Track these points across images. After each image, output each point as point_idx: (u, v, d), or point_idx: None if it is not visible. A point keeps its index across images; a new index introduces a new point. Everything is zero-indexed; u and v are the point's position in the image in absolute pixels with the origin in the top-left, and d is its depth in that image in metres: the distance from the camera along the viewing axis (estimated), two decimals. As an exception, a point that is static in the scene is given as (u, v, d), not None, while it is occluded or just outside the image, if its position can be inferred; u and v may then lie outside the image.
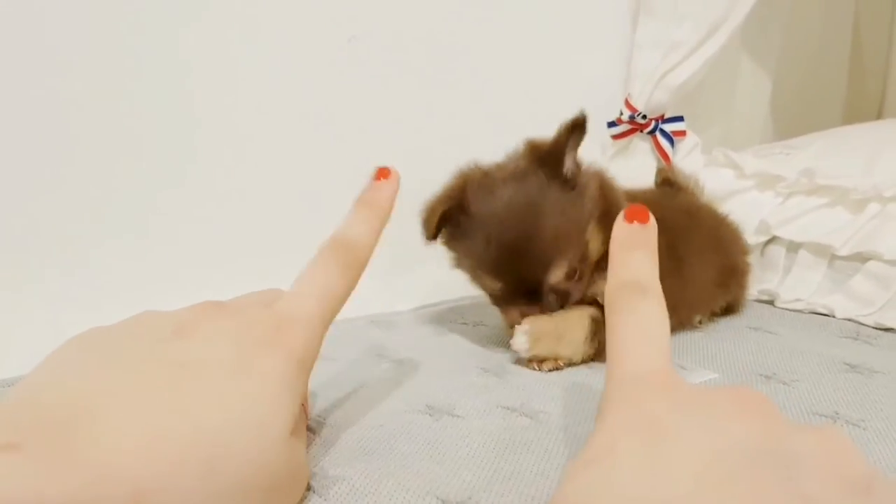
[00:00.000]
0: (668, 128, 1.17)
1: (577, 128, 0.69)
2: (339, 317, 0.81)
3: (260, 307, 0.46)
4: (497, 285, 0.71)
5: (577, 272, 0.70)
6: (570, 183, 0.70)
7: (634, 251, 0.45)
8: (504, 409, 0.58)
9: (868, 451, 0.52)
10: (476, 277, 0.73)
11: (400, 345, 0.74)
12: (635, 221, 0.46)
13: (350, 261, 0.50)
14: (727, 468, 0.29)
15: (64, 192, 0.82)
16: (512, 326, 0.70)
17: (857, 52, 1.74)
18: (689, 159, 1.18)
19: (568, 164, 0.69)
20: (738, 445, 0.31)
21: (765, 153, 1.17)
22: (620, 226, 0.46)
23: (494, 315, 0.83)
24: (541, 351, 0.69)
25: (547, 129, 1.09)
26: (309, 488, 0.44)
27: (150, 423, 0.34)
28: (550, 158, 0.69)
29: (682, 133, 1.18)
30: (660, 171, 1.02)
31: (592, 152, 1.18)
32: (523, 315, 0.69)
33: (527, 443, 0.52)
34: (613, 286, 0.44)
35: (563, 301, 0.70)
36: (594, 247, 0.71)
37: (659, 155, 1.17)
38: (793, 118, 1.53)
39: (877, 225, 0.95)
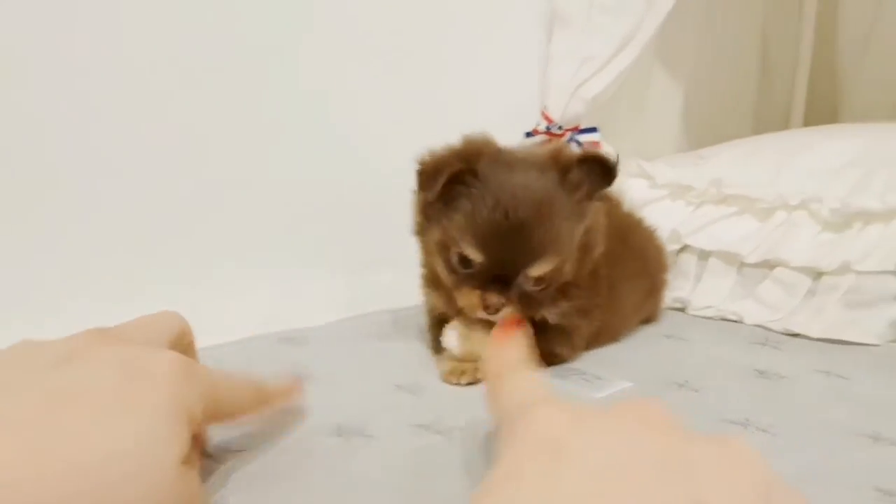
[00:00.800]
0: (583, 138, 1.19)
1: (600, 163, 0.70)
2: (247, 334, 0.80)
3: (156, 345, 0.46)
4: (479, 258, 0.67)
5: (551, 281, 0.69)
6: (576, 199, 0.69)
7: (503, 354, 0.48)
8: (417, 427, 0.58)
9: (777, 457, 0.53)
10: (453, 245, 0.68)
11: (311, 362, 0.73)
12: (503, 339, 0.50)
13: (259, 393, 0.51)
14: (625, 482, 0.30)
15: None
16: (462, 308, 0.69)
17: (765, 63, 1.79)
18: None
19: (580, 186, 0.69)
20: (637, 459, 0.31)
21: (677, 163, 1.19)
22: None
23: (410, 330, 0.83)
24: (468, 349, 0.69)
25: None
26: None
27: (34, 455, 0.33)
28: (564, 167, 0.69)
29: (597, 143, 1.19)
30: None
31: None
32: (484, 301, 0.67)
33: (440, 463, 0.51)
34: (492, 372, 0.47)
35: (527, 303, 0.68)
36: (568, 269, 0.70)
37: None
38: (705, 127, 1.56)
39: (783, 232, 0.98)
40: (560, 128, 1.17)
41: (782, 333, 0.90)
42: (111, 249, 0.87)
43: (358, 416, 0.59)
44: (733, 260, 1.00)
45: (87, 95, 0.84)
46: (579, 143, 1.18)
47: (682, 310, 1.01)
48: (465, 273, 0.68)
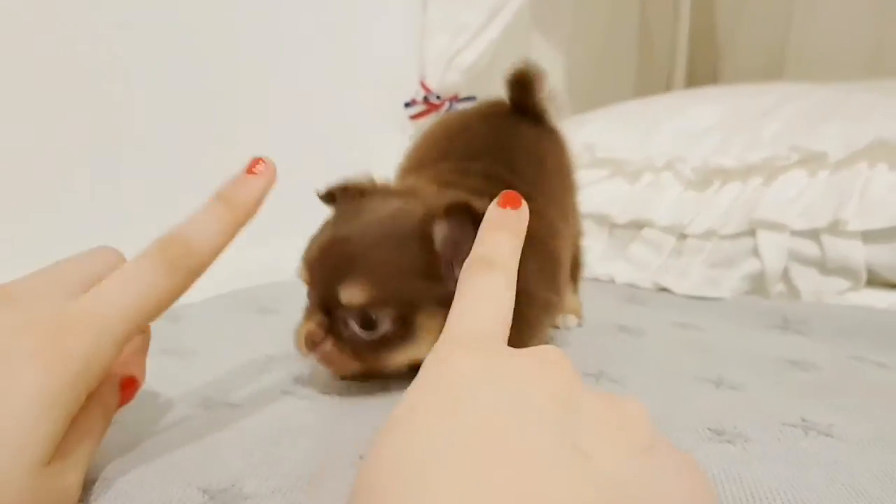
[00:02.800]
0: (462, 107, 1.21)
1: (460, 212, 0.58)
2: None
3: (51, 299, 0.42)
4: (303, 276, 0.61)
5: (381, 323, 0.58)
6: (441, 258, 0.59)
7: (498, 231, 0.45)
8: (284, 394, 0.59)
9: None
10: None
11: (185, 339, 0.73)
12: (508, 206, 0.46)
13: (182, 263, 0.44)
14: (509, 425, 0.31)
15: None
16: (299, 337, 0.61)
17: (645, 27, 1.85)
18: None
19: (445, 250, 0.59)
20: (527, 405, 0.32)
21: (554, 129, 1.23)
22: (492, 208, 0.46)
23: (288, 300, 0.84)
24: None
25: (345, 113, 1.11)
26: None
27: None
28: (427, 216, 0.59)
29: (476, 112, 1.22)
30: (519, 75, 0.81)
31: (392, 134, 1.22)
32: (307, 337, 0.59)
33: (303, 426, 0.53)
34: (466, 262, 0.43)
35: (355, 346, 0.59)
36: (425, 342, 0.59)
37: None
38: (586, 94, 1.61)
39: (650, 194, 1.03)
40: (438, 97, 1.19)
41: (651, 290, 0.94)
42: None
43: (225, 388, 0.61)
44: (605, 222, 1.05)
45: None
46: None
47: (556, 271, 1.05)
48: (307, 304, 0.62)
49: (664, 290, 0.94)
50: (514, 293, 0.42)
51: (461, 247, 0.57)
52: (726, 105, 1.15)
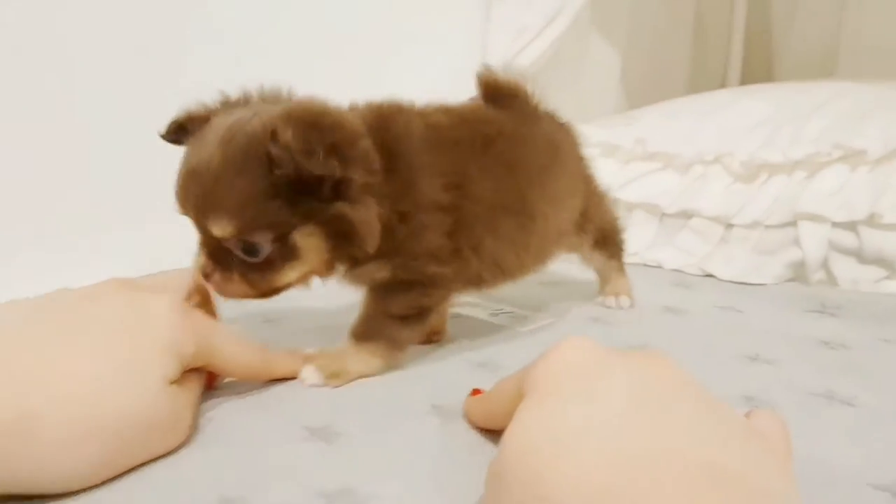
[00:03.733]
0: (521, 103, 1.27)
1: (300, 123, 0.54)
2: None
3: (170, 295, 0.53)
4: (181, 212, 0.58)
5: (260, 248, 0.56)
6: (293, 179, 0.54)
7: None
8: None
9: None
10: None
11: (279, 307, 0.81)
12: None
13: (265, 363, 0.58)
14: (645, 402, 0.36)
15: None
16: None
17: (700, 26, 1.87)
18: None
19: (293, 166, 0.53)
20: (653, 387, 0.38)
21: (609, 124, 1.28)
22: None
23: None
24: (333, 371, 0.60)
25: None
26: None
27: (32, 375, 0.42)
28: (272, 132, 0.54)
29: (535, 108, 1.28)
30: (482, 78, 0.80)
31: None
32: (201, 271, 0.58)
33: (384, 383, 0.60)
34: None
35: (236, 271, 0.57)
36: (310, 257, 0.58)
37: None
38: (642, 91, 1.64)
39: (699, 186, 1.08)
40: (499, 94, 1.25)
41: (697, 275, 1.00)
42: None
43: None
44: (655, 211, 1.10)
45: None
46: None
47: (609, 257, 1.11)
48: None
49: (710, 276, 0.99)
50: None
51: (311, 157, 0.52)
52: (775, 102, 1.19)
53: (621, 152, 1.18)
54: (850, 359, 0.68)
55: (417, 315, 0.63)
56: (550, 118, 0.82)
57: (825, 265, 0.93)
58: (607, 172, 1.16)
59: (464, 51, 1.30)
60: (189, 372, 0.51)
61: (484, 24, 1.29)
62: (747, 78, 1.88)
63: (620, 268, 0.87)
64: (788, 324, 0.79)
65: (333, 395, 0.57)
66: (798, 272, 0.95)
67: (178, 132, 0.59)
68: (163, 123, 0.60)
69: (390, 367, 0.63)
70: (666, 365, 0.41)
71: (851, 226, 0.92)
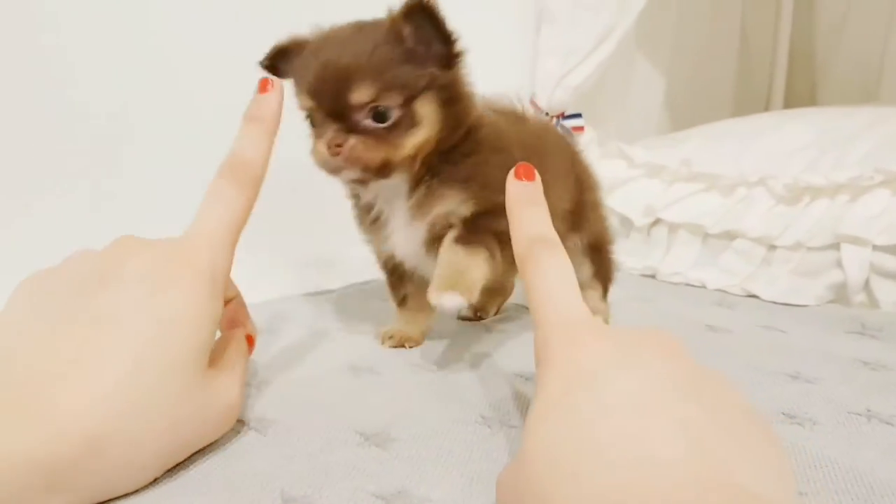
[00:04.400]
0: (568, 124, 1.29)
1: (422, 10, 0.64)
2: (275, 296, 0.90)
3: (169, 240, 0.52)
4: (309, 103, 0.66)
5: (390, 112, 0.64)
6: (417, 53, 0.65)
7: (530, 206, 0.51)
8: (415, 366, 0.69)
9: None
10: (298, 99, 0.67)
11: (330, 318, 0.84)
12: (523, 178, 0.52)
13: (246, 178, 0.55)
14: (655, 395, 0.37)
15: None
16: (319, 154, 0.66)
17: (744, 49, 1.87)
18: (586, 152, 1.30)
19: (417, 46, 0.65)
20: (660, 377, 0.39)
21: (654, 145, 1.30)
22: (512, 183, 0.52)
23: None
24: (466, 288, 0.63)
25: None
26: (251, 427, 0.54)
27: (89, 383, 0.42)
28: (395, 22, 0.65)
29: (582, 128, 1.30)
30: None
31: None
32: (329, 143, 0.64)
33: (433, 391, 0.63)
34: (523, 242, 0.50)
35: (373, 137, 0.64)
36: (427, 125, 0.66)
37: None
38: (686, 112, 1.66)
39: (743, 207, 1.08)
40: (546, 114, 1.27)
41: (740, 295, 1.01)
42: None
43: (368, 359, 0.71)
44: (699, 231, 1.11)
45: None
46: (565, 128, 1.29)
47: (652, 276, 1.12)
48: (314, 130, 0.67)
49: (753, 296, 1.00)
50: (570, 262, 0.49)
51: (430, 43, 0.65)
52: (819, 125, 1.19)
53: (666, 173, 1.19)
54: (889, 379, 0.69)
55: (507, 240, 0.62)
56: (539, 124, 0.91)
57: (867, 287, 0.94)
58: (652, 193, 1.19)
59: (512, 72, 1.32)
60: (228, 348, 0.53)
61: (533, 46, 1.31)
62: (791, 100, 1.88)
63: (604, 294, 0.88)
64: (829, 344, 0.79)
65: (386, 403, 0.60)
66: (840, 294, 0.96)
67: (278, 58, 0.69)
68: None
69: (492, 276, 0.66)
70: (672, 352, 0.42)
71: (893, 249, 0.92)
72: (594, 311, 0.74)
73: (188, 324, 0.48)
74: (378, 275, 0.94)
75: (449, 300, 0.61)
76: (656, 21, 1.51)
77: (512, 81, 1.33)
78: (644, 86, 1.59)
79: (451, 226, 0.68)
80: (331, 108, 0.64)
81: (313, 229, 1.08)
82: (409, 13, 0.64)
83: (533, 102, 1.28)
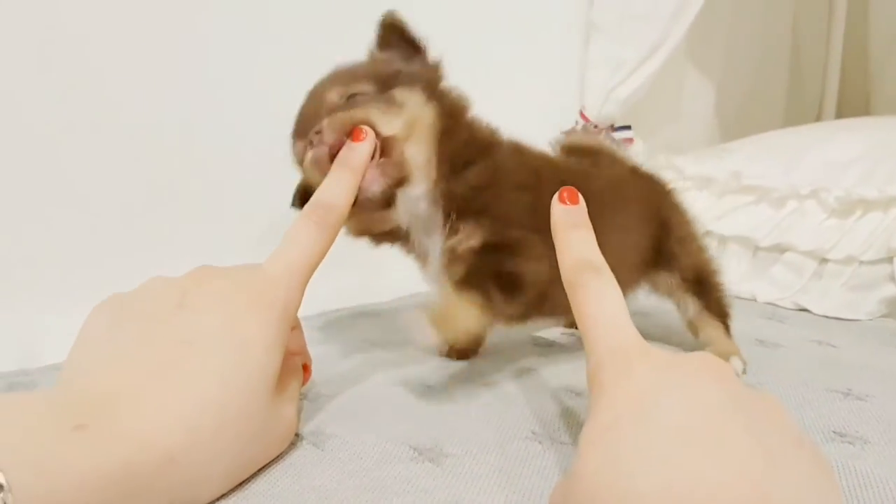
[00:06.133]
0: (618, 136, 1.29)
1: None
2: (329, 308, 0.92)
3: (246, 270, 0.54)
4: (299, 143, 0.63)
5: (365, 95, 0.63)
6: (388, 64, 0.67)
7: (575, 230, 0.51)
8: (467, 381, 0.70)
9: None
10: (293, 154, 0.66)
11: (380, 332, 0.86)
12: (568, 202, 0.53)
13: (326, 221, 0.56)
14: (702, 422, 0.38)
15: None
16: (300, 162, 0.64)
17: (795, 59, 1.85)
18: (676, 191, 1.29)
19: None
20: (707, 403, 0.39)
21: (703, 157, 1.29)
22: (556, 207, 0.53)
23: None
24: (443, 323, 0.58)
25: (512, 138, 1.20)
26: (308, 441, 0.55)
27: (173, 400, 0.44)
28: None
29: (631, 140, 1.29)
30: (566, 140, 0.86)
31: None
32: (311, 139, 0.61)
33: (484, 406, 0.63)
34: (570, 266, 0.50)
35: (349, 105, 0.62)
36: (412, 109, 0.63)
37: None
38: (737, 123, 1.64)
39: (794, 220, 1.07)
40: (596, 126, 1.27)
41: (791, 309, 1.00)
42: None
43: (419, 373, 0.72)
44: (749, 244, 1.10)
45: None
46: (615, 140, 1.28)
47: (701, 289, 1.11)
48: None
49: (804, 310, 0.99)
50: (617, 285, 0.49)
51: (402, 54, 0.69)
52: (871, 136, 1.17)
53: (715, 185, 1.18)
54: (942, 397, 0.68)
55: (512, 282, 0.61)
56: (628, 166, 0.83)
57: (920, 302, 0.92)
58: (701, 205, 1.18)
59: (562, 84, 1.33)
60: (288, 374, 0.54)
61: (582, 59, 1.31)
62: (843, 110, 1.85)
63: (724, 331, 0.79)
64: (882, 360, 0.78)
65: (438, 418, 0.60)
66: (892, 308, 0.94)
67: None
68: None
69: (484, 326, 0.62)
70: (718, 374, 0.42)
71: (947, 262, 0.91)
72: (724, 354, 0.73)
73: (262, 349, 0.50)
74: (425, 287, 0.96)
75: (424, 337, 0.56)
76: (707, 30, 1.50)
77: (562, 94, 1.34)
78: (695, 96, 1.58)
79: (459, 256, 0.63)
80: (309, 126, 0.62)
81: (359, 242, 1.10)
82: (380, 33, 0.68)
83: (582, 114, 1.28)
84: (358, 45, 0.69)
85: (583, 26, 1.32)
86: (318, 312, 0.91)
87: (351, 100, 0.62)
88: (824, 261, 1.02)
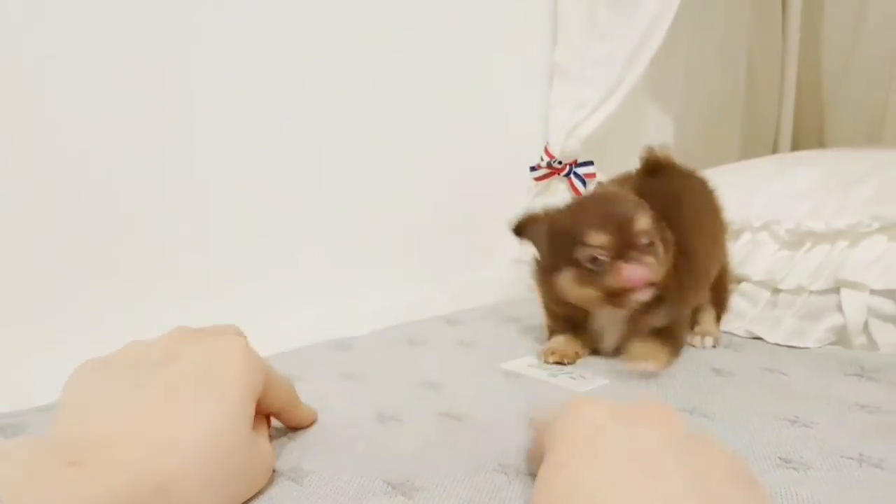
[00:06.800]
0: (581, 171, 1.34)
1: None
2: (305, 342, 0.94)
3: (225, 334, 0.59)
4: (603, 239, 0.82)
5: (654, 245, 0.84)
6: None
7: None
8: (438, 415, 0.73)
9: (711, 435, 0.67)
10: (579, 240, 0.84)
11: (356, 364, 0.88)
12: None
13: (293, 402, 0.65)
14: (643, 461, 0.42)
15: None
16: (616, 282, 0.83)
17: (751, 93, 1.91)
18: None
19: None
20: (650, 445, 0.43)
21: (663, 190, 1.33)
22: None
23: (435, 335, 0.98)
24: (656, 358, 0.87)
25: (480, 173, 1.26)
26: (287, 478, 0.58)
27: (163, 438, 0.47)
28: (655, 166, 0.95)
29: (593, 175, 1.34)
30: (648, 157, 1.04)
31: (519, 193, 1.35)
32: (624, 267, 0.82)
33: (454, 439, 0.66)
34: None
35: (649, 252, 0.83)
36: (664, 255, 0.86)
37: (573, 194, 1.33)
38: (695, 156, 1.67)
39: (748, 252, 1.12)
40: (559, 162, 1.32)
41: (745, 338, 1.04)
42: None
43: (393, 406, 0.74)
44: (705, 276, 1.14)
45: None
46: (578, 175, 1.33)
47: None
48: (603, 254, 0.84)
49: (757, 338, 1.03)
50: None
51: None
52: (822, 170, 1.21)
53: (674, 218, 1.23)
54: (883, 422, 0.71)
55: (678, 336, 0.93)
56: (695, 176, 1.07)
57: (866, 330, 0.97)
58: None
59: (530, 121, 1.38)
60: (259, 413, 0.58)
61: (546, 99, 1.36)
62: (799, 141, 1.91)
63: (715, 318, 1.04)
64: (829, 387, 0.82)
65: (410, 452, 0.63)
66: (841, 336, 0.99)
67: (524, 226, 0.91)
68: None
69: (669, 364, 0.88)
70: (661, 416, 0.47)
71: (890, 293, 0.95)
72: (706, 333, 1.00)
73: (241, 392, 0.53)
74: (398, 321, 1.00)
75: (645, 366, 0.84)
76: (665, 68, 1.55)
77: (529, 130, 1.39)
78: (654, 131, 1.62)
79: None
80: (617, 240, 0.82)
81: (335, 276, 1.14)
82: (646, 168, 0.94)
83: (547, 151, 1.33)
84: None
85: (548, 69, 1.37)
86: (294, 348, 0.94)
87: (646, 247, 0.83)
88: (777, 290, 1.06)
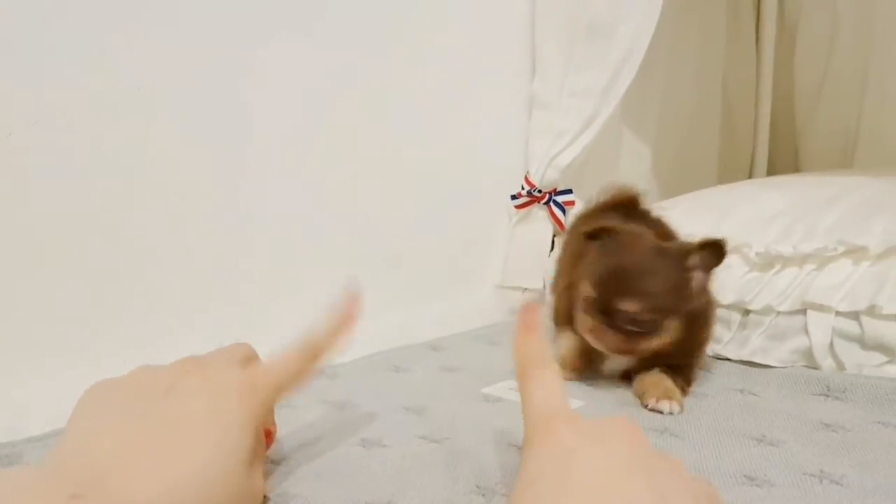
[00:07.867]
0: (560, 199, 1.37)
1: (711, 247, 0.88)
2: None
3: (230, 366, 0.60)
4: (592, 294, 0.86)
5: (649, 325, 0.84)
6: (688, 277, 0.88)
7: (529, 333, 0.59)
8: (420, 438, 0.75)
9: (680, 455, 0.69)
10: (581, 282, 0.89)
11: (341, 391, 0.90)
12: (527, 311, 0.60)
13: (311, 354, 0.64)
14: (613, 479, 0.43)
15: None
16: (587, 332, 0.87)
17: (727, 119, 1.94)
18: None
19: (695, 275, 0.88)
20: (618, 463, 0.45)
21: (639, 216, 1.36)
22: (519, 315, 0.60)
23: (419, 361, 1.00)
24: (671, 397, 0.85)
25: (462, 202, 1.28)
26: (274, 503, 0.60)
27: (161, 472, 0.48)
28: (684, 253, 0.88)
29: (572, 203, 1.37)
30: (621, 193, 1.16)
31: (500, 220, 1.38)
32: (595, 328, 0.86)
33: (434, 461, 0.68)
34: (521, 361, 0.57)
35: (619, 333, 0.85)
36: (668, 335, 0.86)
37: (553, 221, 1.36)
38: (672, 182, 1.72)
39: (722, 275, 1.14)
40: (539, 191, 1.35)
41: (717, 359, 1.06)
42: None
43: (376, 432, 0.76)
44: (679, 299, 1.17)
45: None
46: (557, 203, 1.36)
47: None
48: (588, 303, 0.87)
49: (727, 359, 1.05)
50: (561, 378, 0.57)
51: (707, 274, 0.89)
52: (794, 194, 1.25)
53: (650, 243, 1.25)
54: (845, 440, 0.74)
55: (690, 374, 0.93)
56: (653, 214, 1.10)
57: (832, 350, 0.99)
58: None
59: (510, 151, 1.41)
60: (258, 444, 0.59)
61: (525, 129, 1.39)
62: (774, 166, 1.95)
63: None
64: (796, 406, 0.85)
65: (392, 475, 0.65)
66: (807, 357, 1.01)
67: (599, 233, 0.91)
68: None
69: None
70: (630, 434, 0.49)
71: (854, 315, 0.98)
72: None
73: (239, 430, 0.55)
74: (383, 347, 1.02)
75: (666, 406, 0.83)
76: (642, 96, 1.58)
77: (509, 160, 1.42)
78: (631, 158, 1.66)
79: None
80: (603, 303, 0.85)
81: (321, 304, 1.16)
82: (703, 247, 0.87)
83: (527, 180, 1.36)
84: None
85: (527, 100, 1.40)
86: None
87: (634, 323, 0.84)
88: (747, 312, 1.09)
